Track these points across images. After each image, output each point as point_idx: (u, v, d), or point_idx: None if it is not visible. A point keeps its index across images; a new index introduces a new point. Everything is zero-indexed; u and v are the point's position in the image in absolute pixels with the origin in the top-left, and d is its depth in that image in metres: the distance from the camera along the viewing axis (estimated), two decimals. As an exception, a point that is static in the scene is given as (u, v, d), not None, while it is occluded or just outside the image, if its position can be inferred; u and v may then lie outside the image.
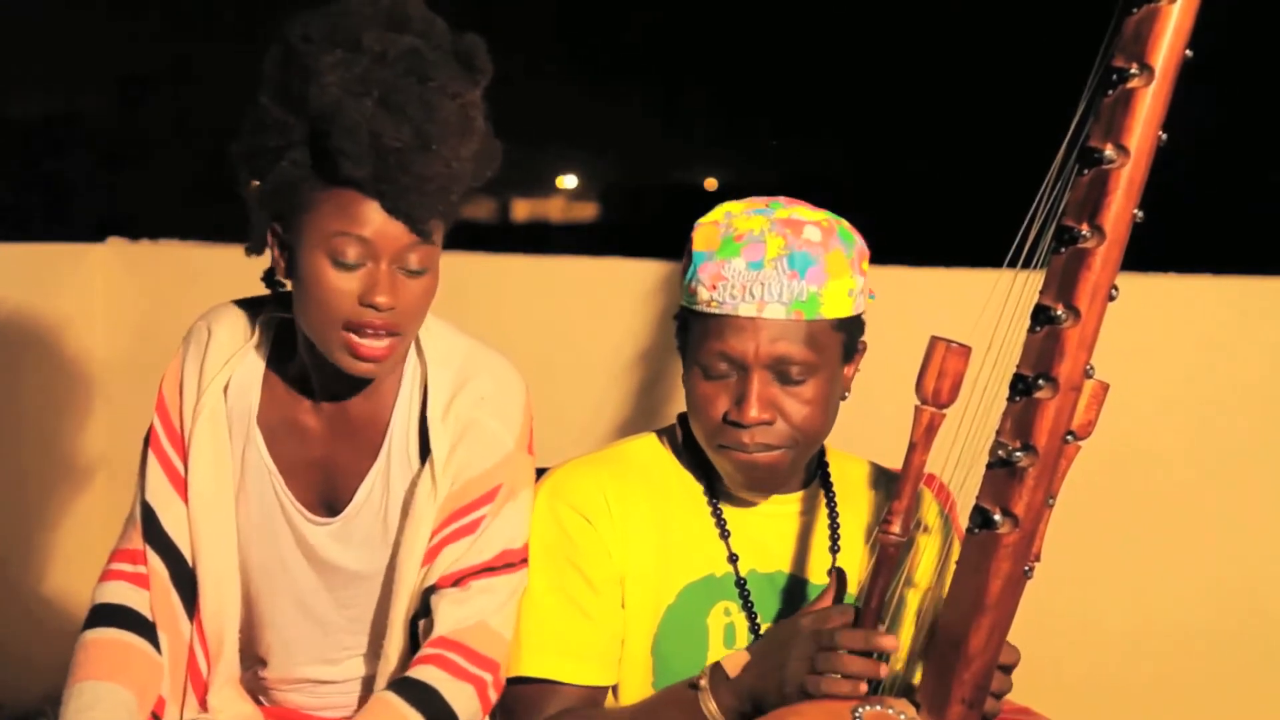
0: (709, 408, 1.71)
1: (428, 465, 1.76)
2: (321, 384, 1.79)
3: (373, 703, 1.72)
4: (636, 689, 1.78)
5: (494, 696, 1.76)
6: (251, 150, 1.70)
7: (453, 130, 1.64)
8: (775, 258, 1.67)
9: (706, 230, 1.73)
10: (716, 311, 1.69)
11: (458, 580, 1.75)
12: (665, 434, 1.88)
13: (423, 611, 1.77)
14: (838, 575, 1.62)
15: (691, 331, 1.74)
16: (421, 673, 1.71)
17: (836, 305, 1.68)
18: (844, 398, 1.78)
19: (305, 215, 1.66)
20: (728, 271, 1.68)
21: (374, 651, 1.84)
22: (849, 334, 1.73)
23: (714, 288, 1.68)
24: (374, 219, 1.63)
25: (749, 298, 1.67)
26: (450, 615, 1.74)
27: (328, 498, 1.82)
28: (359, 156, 1.60)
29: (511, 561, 1.78)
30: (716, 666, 1.64)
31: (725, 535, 1.79)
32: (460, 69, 1.68)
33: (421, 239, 1.66)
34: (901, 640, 1.63)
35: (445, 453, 1.76)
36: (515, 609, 1.78)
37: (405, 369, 1.80)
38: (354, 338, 1.66)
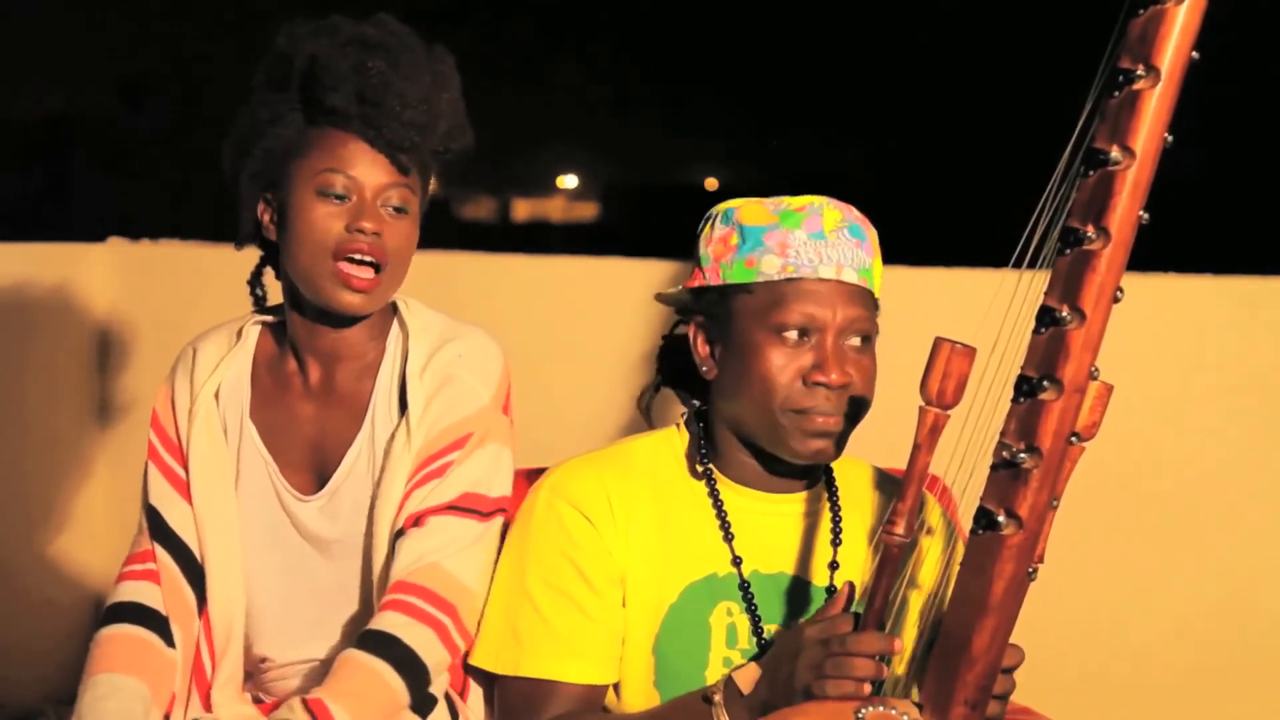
0: (782, 373, 1.71)
1: (404, 417, 1.81)
2: (310, 362, 1.87)
3: (339, 663, 1.73)
4: (638, 688, 1.78)
5: (459, 643, 1.78)
6: (242, 136, 1.83)
7: (426, 71, 1.80)
8: (835, 228, 1.72)
9: (753, 208, 1.77)
10: (792, 276, 1.71)
11: (418, 519, 1.79)
12: (668, 433, 1.88)
13: (392, 558, 1.81)
14: (849, 589, 1.61)
15: (743, 305, 1.74)
16: (381, 621, 1.74)
17: (879, 283, 1.76)
18: None
19: (294, 162, 1.78)
20: (792, 240, 1.72)
21: (365, 613, 1.86)
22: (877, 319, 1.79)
23: (783, 254, 1.72)
24: (359, 158, 1.77)
25: (827, 261, 1.71)
26: (409, 551, 1.77)
27: (322, 474, 1.87)
28: (343, 85, 1.74)
29: (478, 509, 1.81)
30: (730, 681, 1.63)
31: (729, 538, 1.79)
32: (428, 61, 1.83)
33: (403, 175, 1.79)
34: (905, 641, 1.63)
35: (421, 405, 1.82)
36: (482, 560, 1.80)
37: (388, 341, 1.88)
38: (344, 267, 1.76)
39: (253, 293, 1.94)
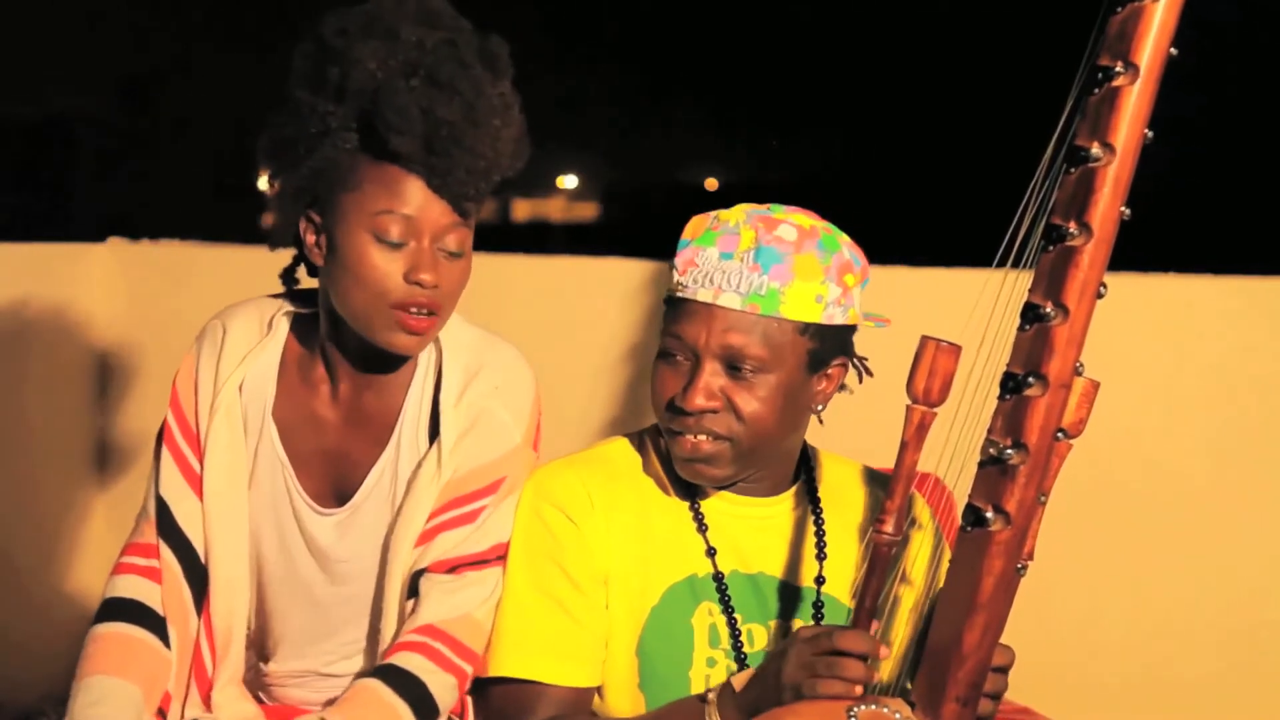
0: (660, 390, 1.73)
1: (435, 447, 1.78)
2: (341, 373, 1.82)
3: (357, 689, 1.72)
4: (621, 691, 1.78)
5: (467, 686, 1.78)
6: (285, 140, 1.74)
7: (497, 112, 1.70)
8: (745, 250, 1.68)
9: (697, 221, 1.76)
10: (680, 295, 1.72)
11: (452, 568, 1.77)
12: (644, 435, 1.88)
13: (411, 593, 1.79)
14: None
15: (665, 315, 1.77)
16: (407, 661, 1.73)
17: (800, 308, 1.68)
18: (816, 411, 1.78)
19: (347, 195, 1.70)
20: (701, 259, 1.70)
21: (373, 638, 1.85)
22: (820, 343, 1.71)
23: (684, 272, 1.71)
24: (416, 197, 1.69)
25: (709, 284, 1.68)
26: (441, 603, 1.75)
27: (339, 488, 1.84)
28: (410, 130, 1.64)
29: (501, 555, 1.80)
30: (727, 683, 1.63)
31: (703, 529, 1.79)
32: (486, 68, 1.72)
33: (462, 219, 1.72)
34: (896, 640, 1.63)
35: (454, 438, 1.78)
36: (496, 603, 1.79)
37: (420, 356, 1.83)
38: (403, 314, 1.69)
39: (287, 287, 1.88)
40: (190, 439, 1.84)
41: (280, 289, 1.90)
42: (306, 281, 1.88)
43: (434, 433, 1.80)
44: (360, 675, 1.82)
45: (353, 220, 1.69)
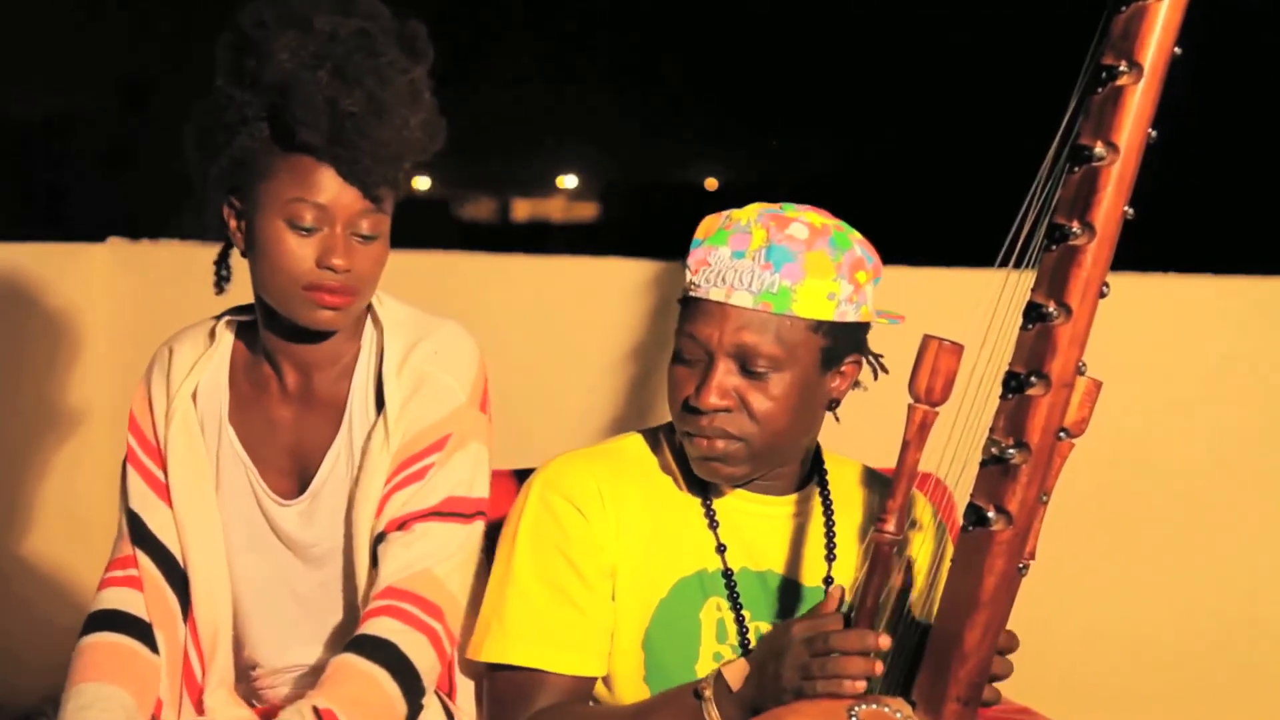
0: (675, 391, 1.74)
1: (381, 416, 1.81)
2: (286, 366, 1.85)
3: (334, 667, 1.73)
4: (628, 682, 1.79)
5: (448, 649, 1.79)
6: (207, 128, 1.77)
7: (403, 100, 1.74)
8: (756, 249, 1.68)
9: (709, 220, 1.77)
10: (693, 295, 1.72)
11: (402, 524, 1.78)
12: (659, 432, 1.89)
13: (373, 562, 1.80)
14: (840, 591, 1.58)
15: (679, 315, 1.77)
16: (376, 627, 1.74)
17: (812, 305, 1.68)
18: (831, 408, 1.78)
19: (262, 184, 1.74)
20: (713, 258, 1.70)
21: (350, 618, 1.86)
22: (833, 340, 1.71)
23: (696, 272, 1.72)
24: (329, 186, 1.72)
25: (720, 283, 1.69)
26: (395, 559, 1.77)
27: (304, 479, 1.86)
28: (316, 122, 1.68)
29: (461, 511, 1.81)
30: (719, 677, 1.63)
31: (714, 525, 1.80)
32: (404, 51, 1.76)
33: (374, 205, 1.75)
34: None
35: (399, 405, 1.80)
36: (466, 566, 1.81)
37: (363, 339, 1.87)
38: (317, 293, 1.73)
39: (218, 273, 1.91)
40: (151, 452, 1.88)
41: (233, 303, 1.93)
42: (241, 283, 1.91)
43: (381, 405, 1.82)
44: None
45: (268, 208, 1.73)
